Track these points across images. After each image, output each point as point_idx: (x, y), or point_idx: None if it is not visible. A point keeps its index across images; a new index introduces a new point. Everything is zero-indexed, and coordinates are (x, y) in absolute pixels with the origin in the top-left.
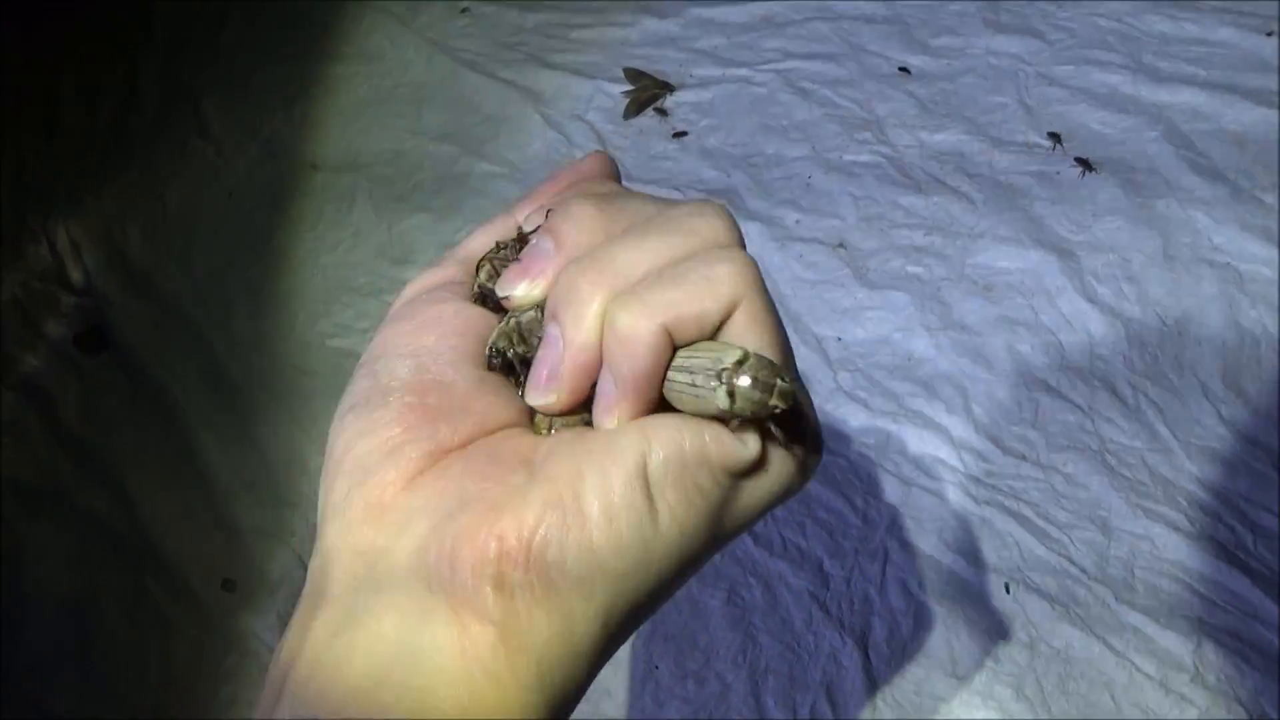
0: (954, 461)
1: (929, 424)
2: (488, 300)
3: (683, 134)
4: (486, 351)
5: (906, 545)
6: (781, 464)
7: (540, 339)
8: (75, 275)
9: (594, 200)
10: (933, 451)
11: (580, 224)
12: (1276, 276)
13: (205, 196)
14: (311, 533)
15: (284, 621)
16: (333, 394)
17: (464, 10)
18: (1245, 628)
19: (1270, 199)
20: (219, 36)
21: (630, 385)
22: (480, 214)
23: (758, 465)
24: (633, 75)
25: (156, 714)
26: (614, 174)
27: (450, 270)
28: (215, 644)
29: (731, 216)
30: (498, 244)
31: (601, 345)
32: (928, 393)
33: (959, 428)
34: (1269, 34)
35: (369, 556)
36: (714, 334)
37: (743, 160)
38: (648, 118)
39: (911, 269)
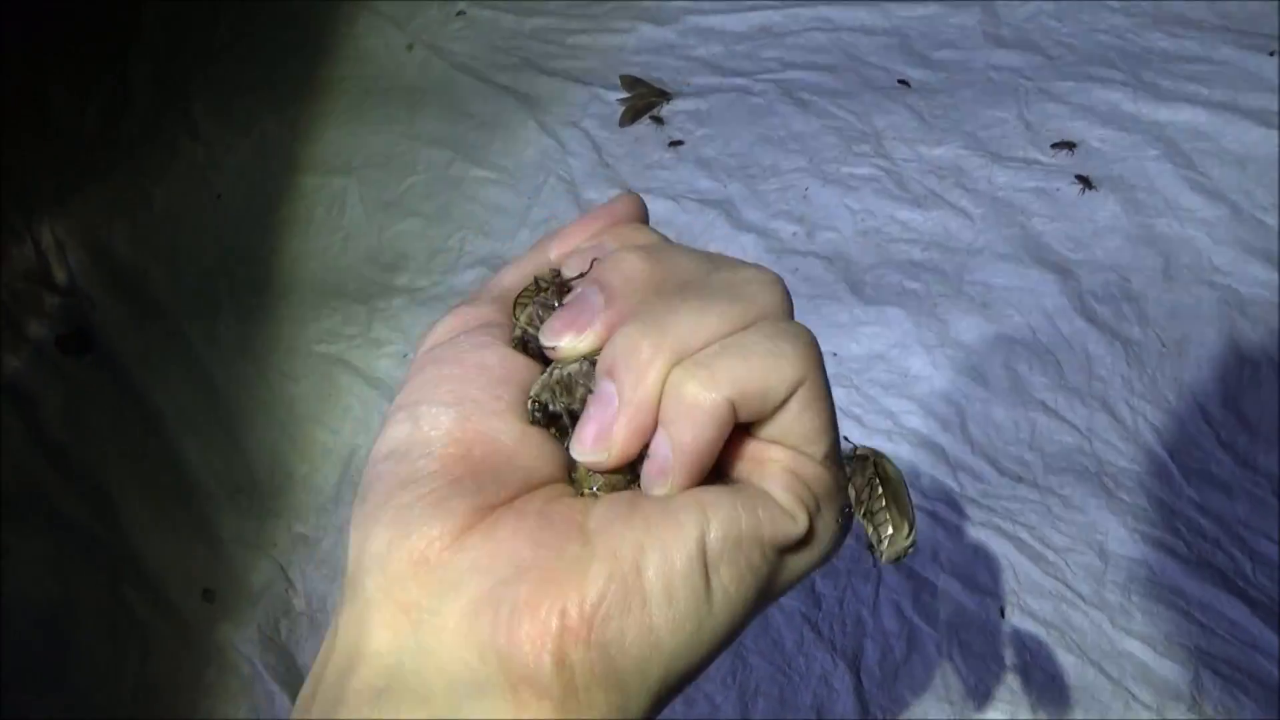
0: (950, 482)
1: (925, 443)
2: (529, 345)
3: (679, 143)
4: (529, 405)
5: (900, 566)
6: (824, 536)
7: (587, 393)
8: (59, 275)
9: (642, 254)
10: (929, 471)
11: (630, 278)
12: (1277, 299)
13: (194, 198)
14: (296, 542)
15: (265, 634)
16: (319, 401)
17: (460, 13)
18: (1244, 657)
19: (1271, 220)
20: (212, 38)
21: (690, 454)
22: (472, 219)
23: (805, 541)
24: (629, 83)
25: None
26: (646, 216)
27: (485, 310)
28: (194, 656)
29: (784, 284)
30: (537, 282)
31: (659, 408)
32: (924, 411)
33: (955, 447)
34: (1270, 54)
35: (413, 615)
36: (775, 411)
37: (739, 170)
38: (644, 126)
39: (909, 284)
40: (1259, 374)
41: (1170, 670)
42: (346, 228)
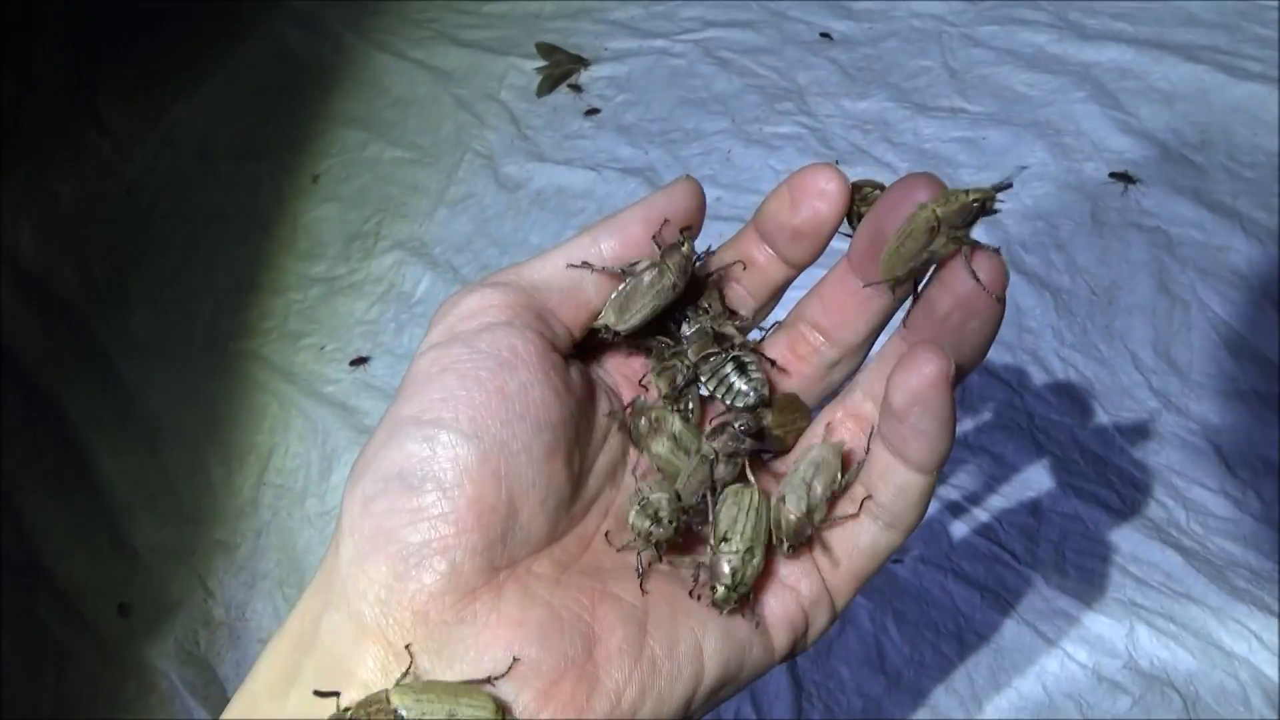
0: None
1: None
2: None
3: (595, 111)
4: (646, 540)
5: None
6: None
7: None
8: None
9: None
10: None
11: None
12: (1206, 239)
13: (101, 192)
14: (214, 549)
15: (183, 647)
16: (235, 399)
17: None
18: (1178, 608)
19: (1199, 158)
20: (117, 25)
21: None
22: (389, 201)
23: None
24: (546, 50)
25: None
26: (704, 202)
27: (513, 298)
28: (111, 673)
29: None
30: (722, 344)
31: None
32: None
33: None
34: None
35: (414, 665)
36: None
37: (660, 136)
38: (562, 94)
39: (835, 244)
40: (1189, 318)
41: (1105, 626)
42: (260, 216)
